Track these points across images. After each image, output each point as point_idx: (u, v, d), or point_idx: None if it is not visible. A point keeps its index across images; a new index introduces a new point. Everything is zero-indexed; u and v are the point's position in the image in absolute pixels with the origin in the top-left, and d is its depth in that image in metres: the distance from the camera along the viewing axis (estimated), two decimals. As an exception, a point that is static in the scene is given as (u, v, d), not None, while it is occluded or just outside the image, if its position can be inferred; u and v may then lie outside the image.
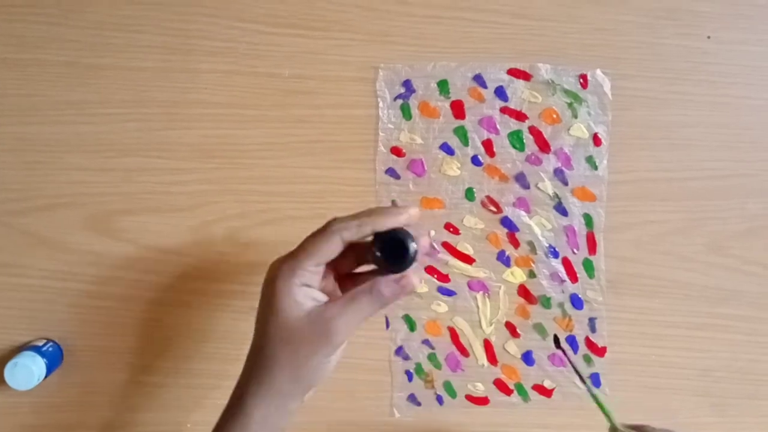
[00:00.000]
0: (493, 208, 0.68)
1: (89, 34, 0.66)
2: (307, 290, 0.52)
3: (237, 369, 0.66)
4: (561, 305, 0.69)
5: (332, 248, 0.52)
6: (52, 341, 0.67)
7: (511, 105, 0.67)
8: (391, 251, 0.52)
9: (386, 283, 0.52)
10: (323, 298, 0.53)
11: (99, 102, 0.66)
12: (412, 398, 0.70)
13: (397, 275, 0.52)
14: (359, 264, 0.56)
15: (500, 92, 0.67)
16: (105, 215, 0.67)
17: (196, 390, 0.70)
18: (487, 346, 0.70)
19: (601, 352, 0.70)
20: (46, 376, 0.65)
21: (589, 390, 0.59)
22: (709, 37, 0.67)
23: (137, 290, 0.68)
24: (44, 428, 0.69)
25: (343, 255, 0.52)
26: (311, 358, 0.52)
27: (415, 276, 0.52)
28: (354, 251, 0.53)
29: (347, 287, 0.55)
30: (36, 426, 0.69)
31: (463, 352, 0.70)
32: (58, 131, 0.66)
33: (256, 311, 0.54)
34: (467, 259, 0.69)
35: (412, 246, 0.51)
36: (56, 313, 0.68)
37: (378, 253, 0.52)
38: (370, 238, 0.52)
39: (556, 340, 0.69)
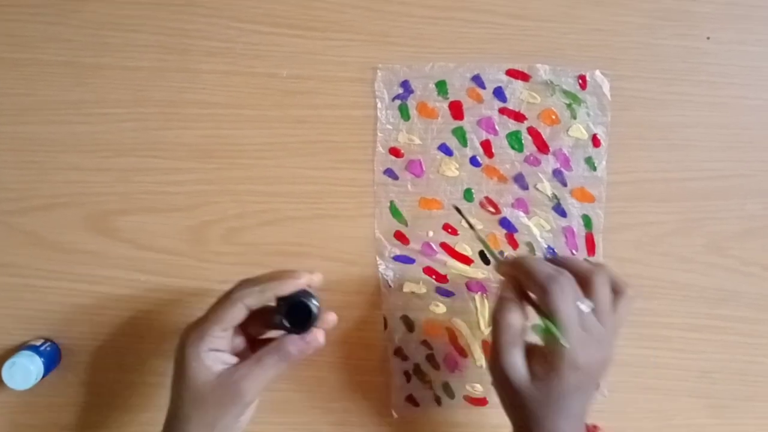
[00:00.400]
0: (491, 209, 0.68)
1: (87, 33, 0.66)
2: (215, 354, 0.55)
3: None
4: (559, 306, 0.69)
5: (236, 315, 0.55)
6: (50, 341, 0.67)
7: (510, 106, 0.67)
8: (295, 314, 0.55)
9: (291, 341, 0.56)
10: (232, 360, 0.56)
11: (96, 102, 0.66)
12: (411, 399, 0.70)
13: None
14: (267, 326, 0.59)
15: (499, 93, 0.67)
16: (102, 215, 0.67)
17: (194, 390, 0.70)
18: (486, 346, 0.70)
19: (599, 352, 0.70)
20: (44, 376, 0.65)
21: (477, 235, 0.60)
22: (708, 38, 0.67)
23: (135, 290, 0.68)
24: (42, 428, 0.69)
25: (251, 318, 0.56)
26: (221, 418, 0.55)
27: (320, 332, 0.56)
28: (261, 314, 0.57)
29: (259, 347, 0.57)
30: (33, 426, 0.69)
31: (462, 352, 0.70)
32: (55, 131, 0.66)
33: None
34: (465, 260, 0.69)
35: (314, 306, 0.55)
36: (54, 312, 0.68)
37: (282, 318, 0.55)
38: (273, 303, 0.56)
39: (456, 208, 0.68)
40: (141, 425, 0.70)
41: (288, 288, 0.55)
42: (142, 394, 0.70)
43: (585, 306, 0.52)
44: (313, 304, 0.55)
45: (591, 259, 0.69)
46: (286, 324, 0.55)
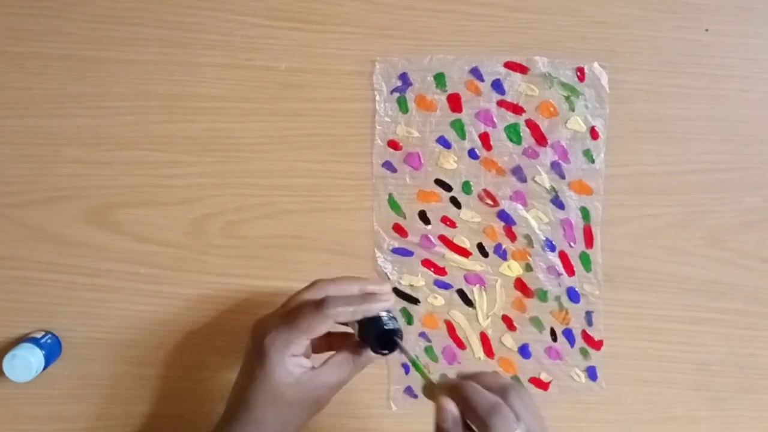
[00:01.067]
0: (489, 202, 0.69)
1: (88, 27, 0.66)
2: (296, 359, 0.56)
3: (233, 361, 0.67)
4: (558, 299, 0.70)
5: (325, 328, 0.56)
6: (51, 333, 0.68)
7: (508, 98, 0.67)
8: (380, 338, 0.56)
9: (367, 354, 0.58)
10: (308, 363, 0.57)
11: (98, 95, 0.67)
12: (409, 391, 0.71)
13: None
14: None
15: (497, 85, 0.67)
16: (103, 208, 0.68)
17: (194, 382, 0.70)
18: (484, 339, 0.70)
19: (597, 345, 0.70)
20: (44, 368, 0.66)
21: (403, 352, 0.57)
22: (707, 30, 0.67)
23: (135, 283, 0.69)
24: (42, 420, 0.70)
25: None
26: (296, 420, 0.58)
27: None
28: None
29: (320, 345, 0.60)
30: (34, 417, 0.70)
31: (460, 345, 0.70)
32: (56, 124, 0.67)
33: (242, 366, 0.59)
34: (464, 253, 0.69)
35: (399, 334, 0.56)
36: (55, 305, 0.69)
37: (369, 340, 0.56)
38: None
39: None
40: (140, 417, 0.71)
41: (377, 309, 0.57)
42: (143, 387, 0.70)
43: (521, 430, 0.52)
44: (398, 334, 0.56)
45: (588, 251, 0.69)
46: (373, 346, 0.56)
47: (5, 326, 0.69)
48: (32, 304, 0.69)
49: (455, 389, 0.52)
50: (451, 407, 0.50)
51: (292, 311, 0.57)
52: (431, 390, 0.53)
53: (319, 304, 0.56)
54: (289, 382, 0.55)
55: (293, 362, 0.56)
